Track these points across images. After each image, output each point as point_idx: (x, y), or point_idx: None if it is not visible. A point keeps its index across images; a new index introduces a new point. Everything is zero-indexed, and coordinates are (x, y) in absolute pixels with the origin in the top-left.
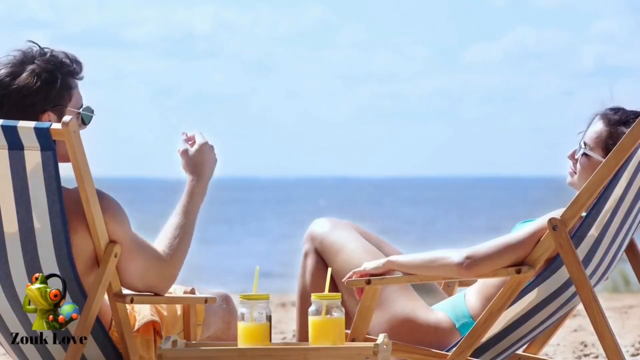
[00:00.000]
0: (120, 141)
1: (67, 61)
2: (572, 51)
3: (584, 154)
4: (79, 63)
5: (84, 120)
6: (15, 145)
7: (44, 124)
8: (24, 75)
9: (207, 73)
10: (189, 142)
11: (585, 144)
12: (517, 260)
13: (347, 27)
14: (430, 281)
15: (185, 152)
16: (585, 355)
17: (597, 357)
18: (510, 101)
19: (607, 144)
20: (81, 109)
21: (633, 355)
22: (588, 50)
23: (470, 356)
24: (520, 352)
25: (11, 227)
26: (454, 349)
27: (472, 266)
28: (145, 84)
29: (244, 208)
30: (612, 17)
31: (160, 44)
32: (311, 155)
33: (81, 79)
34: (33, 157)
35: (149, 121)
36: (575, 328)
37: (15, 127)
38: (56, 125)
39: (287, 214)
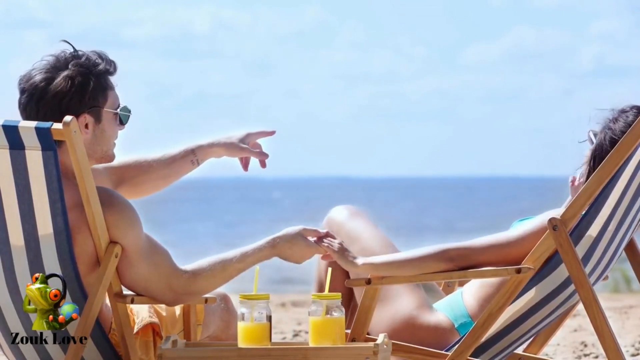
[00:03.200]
0: (119, 141)
1: (100, 61)
2: (571, 51)
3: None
4: (111, 62)
5: (122, 120)
6: (16, 145)
7: (44, 124)
8: (58, 80)
9: (206, 73)
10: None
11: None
12: (506, 259)
13: (346, 27)
14: (426, 281)
15: (305, 237)
16: (585, 355)
17: (597, 357)
18: (510, 101)
19: None
20: (119, 109)
21: (633, 355)
22: (587, 50)
23: (469, 356)
24: (520, 352)
25: (15, 225)
26: (454, 348)
27: (457, 258)
28: (144, 84)
29: (243, 208)
30: (611, 16)
31: (159, 44)
32: (311, 155)
33: (112, 74)
34: (34, 157)
35: (148, 121)
36: (575, 328)
37: (16, 127)
38: (57, 126)
39: (286, 213)
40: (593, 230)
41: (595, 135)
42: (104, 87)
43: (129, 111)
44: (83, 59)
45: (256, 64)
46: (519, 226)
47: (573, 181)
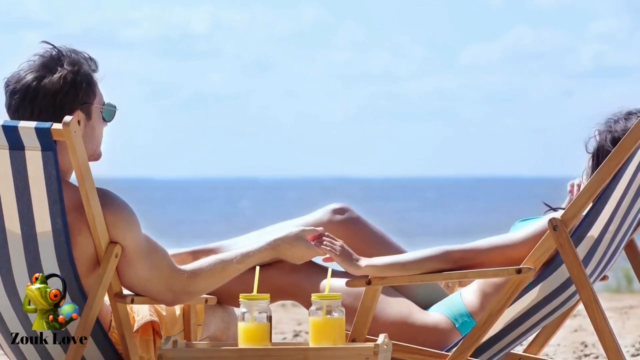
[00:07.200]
0: (118, 141)
1: (84, 60)
2: (570, 51)
3: None
4: (92, 59)
5: (106, 116)
6: (16, 145)
7: (44, 124)
8: (50, 78)
9: (205, 73)
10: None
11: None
12: (508, 261)
13: (345, 27)
14: (426, 281)
15: (305, 239)
16: (586, 356)
17: (597, 357)
18: (509, 101)
19: None
20: (104, 105)
21: (633, 355)
22: (586, 50)
23: (469, 356)
24: (520, 352)
25: (13, 226)
26: (455, 349)
27: (460, 260)
28: (143, 84)
29: (242, 208)
30: (610, 16)
31: (157, 44)
32: (309, 155)
33: (95, 71)
34: (34, 158)
35: (147, 121)
36: (575, 328)
37: (16, 127)
38: (57, 126)
39: (286, 214)
40: (594, 231)
41: (599, 133)
42: (94, 83)
43: (114, 107)
44: (69, 56)
45: (255, 64)
46: (522, 227)
47: (572, 191)
